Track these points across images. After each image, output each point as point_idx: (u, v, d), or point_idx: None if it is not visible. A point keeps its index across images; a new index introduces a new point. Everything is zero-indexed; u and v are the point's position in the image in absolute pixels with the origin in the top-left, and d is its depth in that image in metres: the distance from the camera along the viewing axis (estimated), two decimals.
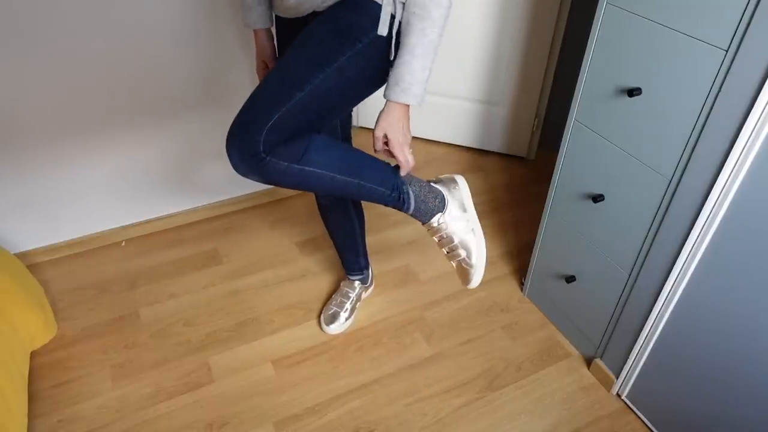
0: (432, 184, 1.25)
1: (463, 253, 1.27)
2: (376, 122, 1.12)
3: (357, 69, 1.09)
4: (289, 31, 1.27)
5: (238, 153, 1.01)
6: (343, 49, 1.06)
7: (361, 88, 1.15)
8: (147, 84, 1.78)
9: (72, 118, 1.74)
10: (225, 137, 2.00)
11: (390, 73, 1.08)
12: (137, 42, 1.69)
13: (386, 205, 1.19)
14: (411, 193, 1.18)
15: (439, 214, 1.23)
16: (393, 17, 1.07)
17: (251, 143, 0.99)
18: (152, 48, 1.72)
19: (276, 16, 1.29)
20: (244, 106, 1.05)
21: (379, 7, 1.06)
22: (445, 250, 1.29)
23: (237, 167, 1.03)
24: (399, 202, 1.18)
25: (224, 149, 2.05)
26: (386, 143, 1.14)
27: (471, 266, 1.27)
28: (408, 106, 1.10)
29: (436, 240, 1.27)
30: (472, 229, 1.26)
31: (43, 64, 1.61)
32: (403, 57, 1.05)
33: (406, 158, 1.14)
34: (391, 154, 1.15)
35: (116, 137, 1.85)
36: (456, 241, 1.25)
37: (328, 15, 1.11)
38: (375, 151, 1.16)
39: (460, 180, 1.28)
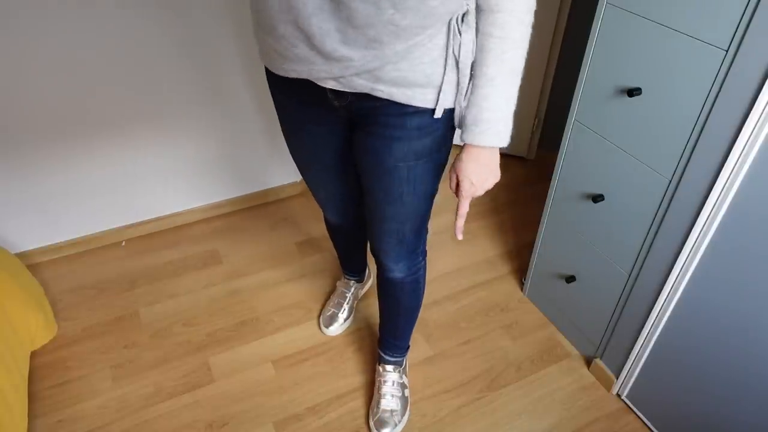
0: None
1: (398, 408, 1.47)
2: (459, 166, 0.96)
3: (440, 159, 1.04)
4: (289, 95, 1.04)
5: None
6: (428, 167, 1.01)
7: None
8: (148, 85, 1.78)
9: (73, 119, 1.74)
10: (226, 139, 2.02)
11: (466, 111, 0.91)
12: (139, 44, 1.69)
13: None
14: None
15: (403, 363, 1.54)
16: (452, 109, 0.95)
17: (413, 256, 1.22)
18: (154, 52, 1.72)
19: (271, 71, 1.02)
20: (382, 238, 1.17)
21: (437, 121, 0.93)
22: (396, 392, 1.49)
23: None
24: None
25: (224, 149, 2.06)
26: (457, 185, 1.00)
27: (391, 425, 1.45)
28: (493, 148, 0.91)
29: (395, 379, 1.51)
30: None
31: (45, 65, 1.61)
32: (481, 90, 0.88)
33: (466, 209, 1.02)
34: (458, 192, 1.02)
35: (117, 138, 1.85)
36: (402, 394, 1.50)
37: (402, 147, 0.97)
38: (452, 191, 1.03)
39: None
